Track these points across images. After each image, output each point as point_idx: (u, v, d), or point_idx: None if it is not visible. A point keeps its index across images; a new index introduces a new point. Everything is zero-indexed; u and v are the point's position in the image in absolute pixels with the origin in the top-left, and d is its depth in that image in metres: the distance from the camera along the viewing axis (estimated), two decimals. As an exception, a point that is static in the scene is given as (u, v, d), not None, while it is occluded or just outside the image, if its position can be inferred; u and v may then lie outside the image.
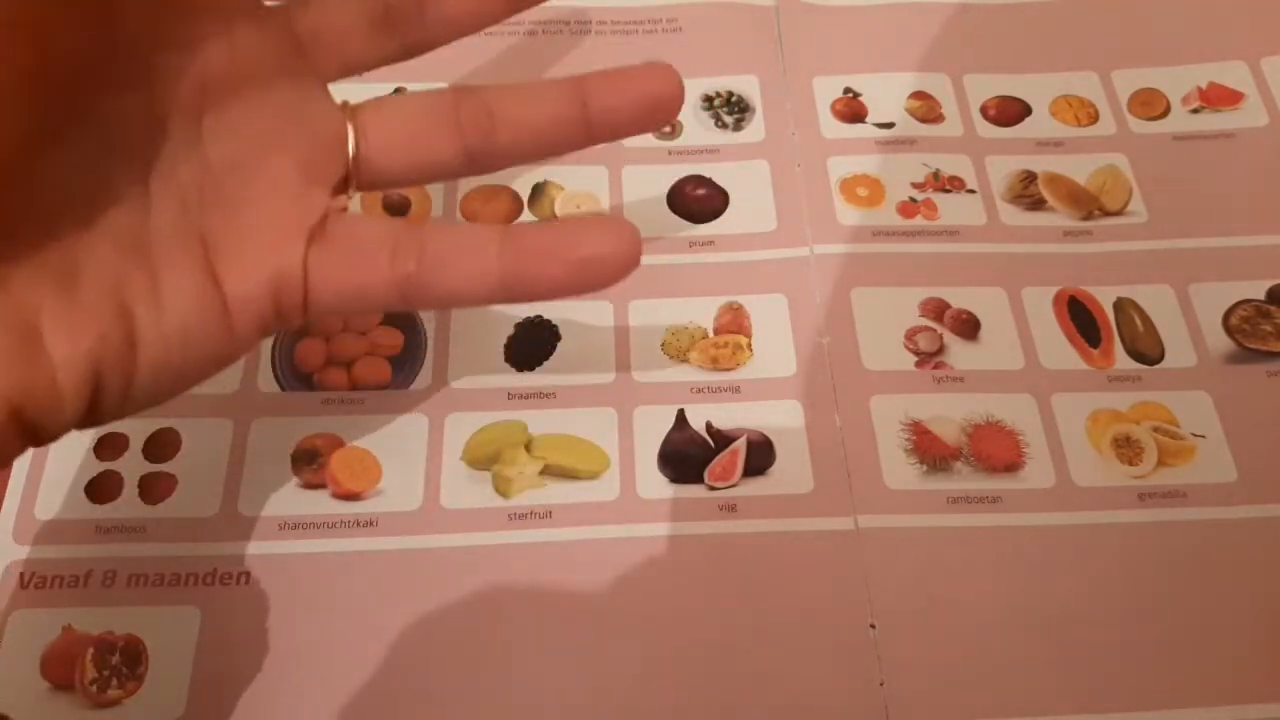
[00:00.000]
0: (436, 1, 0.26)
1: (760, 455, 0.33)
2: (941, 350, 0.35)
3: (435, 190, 0.38)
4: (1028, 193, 0.38)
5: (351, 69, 0.26)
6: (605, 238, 0.25)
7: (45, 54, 0.18)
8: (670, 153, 0.39)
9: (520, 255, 0.25)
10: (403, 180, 0.26)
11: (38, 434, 0.21)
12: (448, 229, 0.26)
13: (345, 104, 0.25)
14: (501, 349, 0.35)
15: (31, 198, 0.19)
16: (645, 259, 0.36)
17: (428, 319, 0.35)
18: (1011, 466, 0.33)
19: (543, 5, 0.42)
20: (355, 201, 0.37)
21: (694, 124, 0.40)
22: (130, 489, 0.32)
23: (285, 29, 0.24)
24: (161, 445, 0.33)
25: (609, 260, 0.25)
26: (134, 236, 0.21)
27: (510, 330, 0.35)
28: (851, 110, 0.40)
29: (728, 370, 0.34)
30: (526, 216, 0.37)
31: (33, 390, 0.19)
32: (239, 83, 0.22)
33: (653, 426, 0.33)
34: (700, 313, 0.36)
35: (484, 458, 0.33)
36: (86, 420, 0.21)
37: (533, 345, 0.35)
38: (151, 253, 0.21)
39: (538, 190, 0.38)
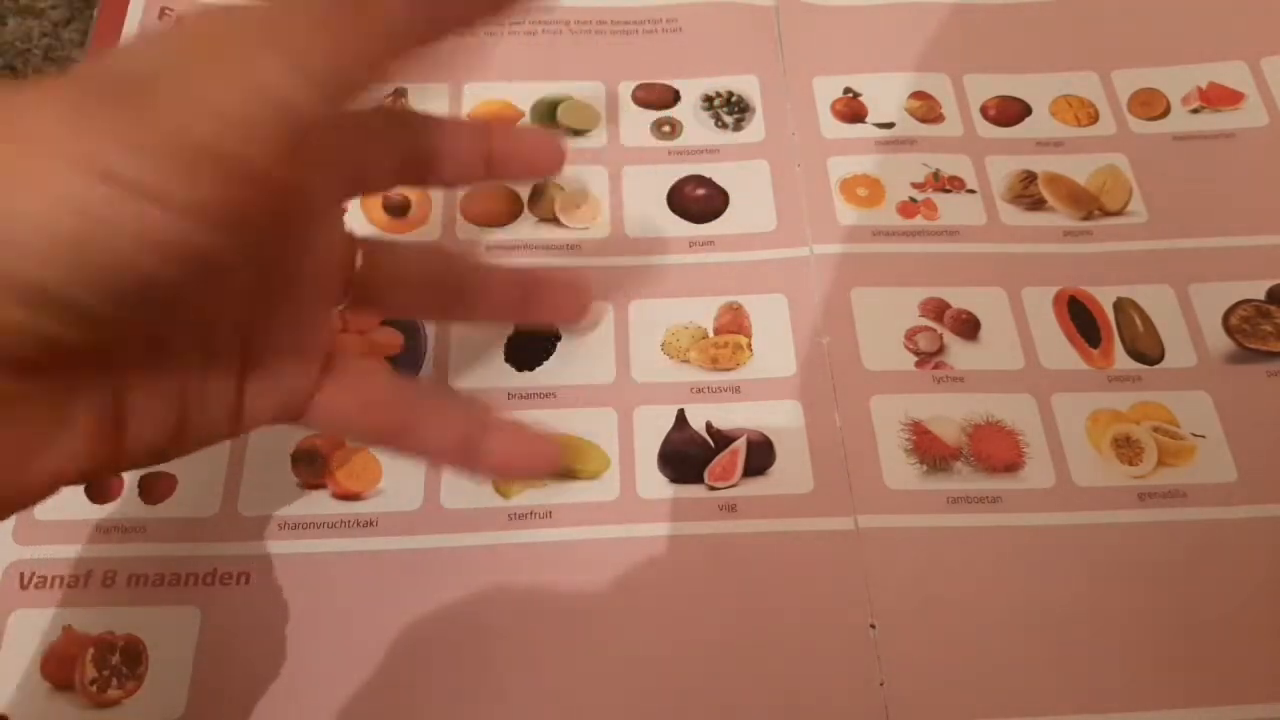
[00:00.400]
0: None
1: (760, 455, 0.33)
2: (941, 350, 0.35)
3: (435, 192, 0.38)
4: (1028, 193, 0.38)
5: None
6: (543, 444, 0.29)
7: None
8: (670, 153, 0.39)
9: (489, 449, 0.27)
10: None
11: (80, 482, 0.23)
12: (431, 402, 0.28)
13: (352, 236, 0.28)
14: (501, 349, 0.35)
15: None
16: (645, 259, 0.37)
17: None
18: (1011, 466, 0.33)
19: (543, 5, 0.42)
20: (356, 200, 0.38)
21: (694, 124, 0.40)
22: (130, 489, 0.32)
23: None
24: (161, 445, 0.33)
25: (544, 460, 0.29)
26: (207, 350, 0.24)
27: (510, 330, 0.35)
28: (851, 110, 0.40)
29: (728, 370, 0.34)
30: (527, 217, 0.37)
31: (101, 466, 0.22)
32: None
33: (653, 426, 0.33)
34: (700, 313, 0.36)
35: (484, 458, 0.33)
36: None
37: (533, 345, 0.35)
38: (213, 366, 0.24)
39: (538, 190, 0.38)
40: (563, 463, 0.30)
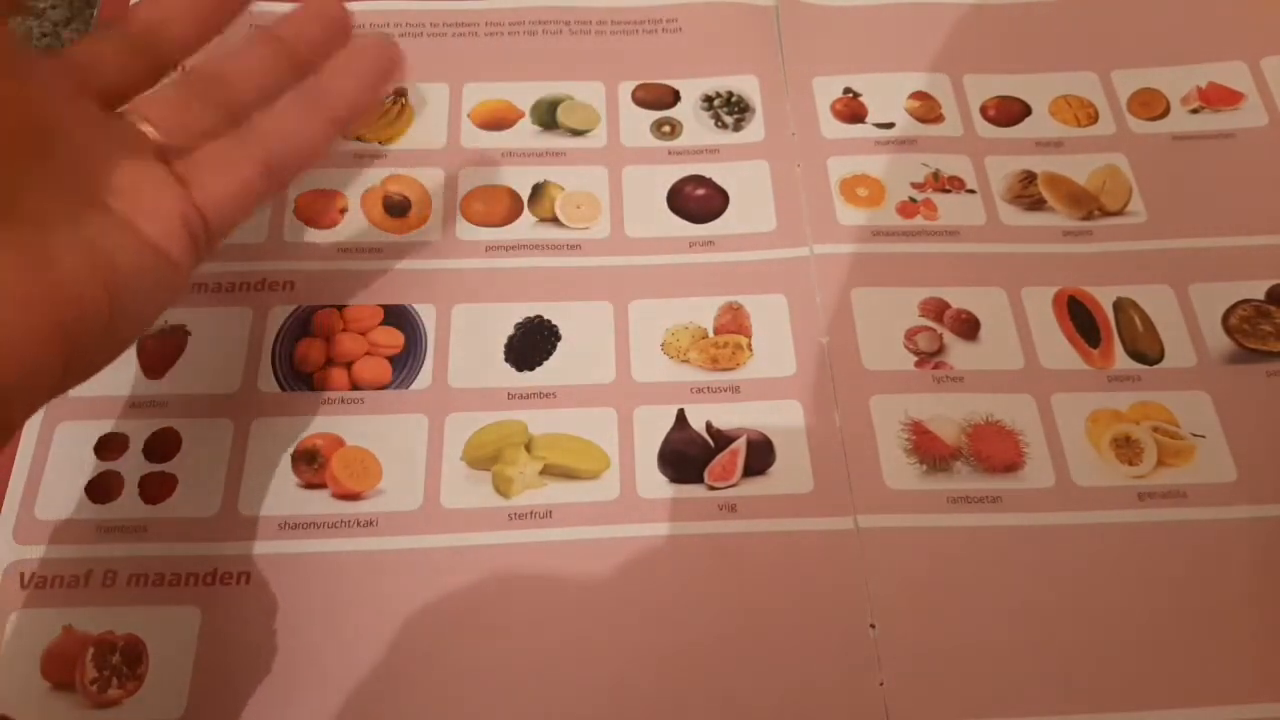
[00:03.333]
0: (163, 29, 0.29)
1: (760, 455, 0.33)
2: (941, 350, 0.35)
3: (435, 193, 0.38)
4: (1027, 193, 0.38)
5: (117, 92, 0.28)
6: (374, 49, 0.30)
7: None
8: (670, 153, 0.39)
9: (327, 96, 0.29)
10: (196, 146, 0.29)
11: (73, 354, 0.23)
12: (267, 114, 0.29)
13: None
14: (501, 349, 0.35)
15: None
16: (645, 259, 0.37)
17: (428, 319, 0.35)
18: (1011, 466, 0.33)
19: (543, 5, 0.42)
20: (356, 200, 0.38)
21: (694, 124, 0.40)
22: (130, 489, 0.32)
23: (65, 65, 0.27)
24: (161, 445, 0.33)
25: (387, 61, 0.30)
26: (60, 202, 0.24)
27: (510, 330, 0.35)
28: (851, 110, 0.40)
29: (728, 370, 0.34)
30: (527, 217, 0.37)
31: (64, 298, 0.23)
32: (55, 108, 0.25)
33: (653, 426, 0.33)
34: (700, 313, 0.36)
35: (484, 458, 0.33)
36: (108, 345, 0.25)
37: (533, 345, 0.35)
38: (84, 209, 0.25)
39: (537, 190, 0.38)
40: (398, 67, 0.30)
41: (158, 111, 0.28)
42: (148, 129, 0.27)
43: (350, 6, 0.30)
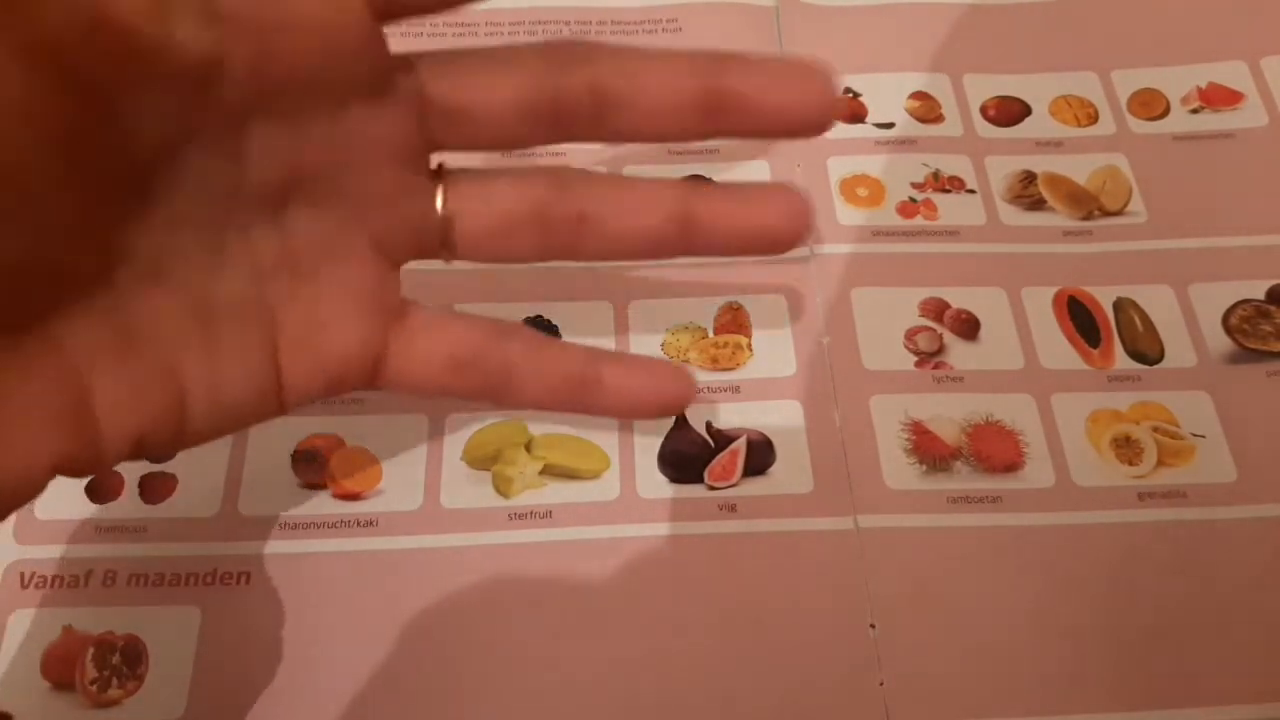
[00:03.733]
0: (624, 112, 0.22)
1: (760, 455, 0.33)
2: (941, 350, 0.35)
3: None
4: (1027, 193, 0.38)
5: (481, 147, 0.23)
6: (668, 378, 0.24)
7: (114, 121, 0.17)
8: (670, 153, 0.39)
9: (596, 391, 0.24)
10: (477, 260, 0.25)
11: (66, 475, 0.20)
12: (533, 345, 0.24)
13: (438, 171, 0.23)
14: (501, 349, 0.35)
15: (98, 256, 0.19)
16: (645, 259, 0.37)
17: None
18: (1011, 466, 0.33)
19: (543, 5, 0.42)
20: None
21: (694, 124, 0.40)
22: (130, 489, 0.32)
23: (408, 110, 0.21)
24: (161, 445, 0.33)
25: (676, 400, 0.25)
26: (199, 304, 0.20)
27: (510, 330, 0.35)
28: (851, 110, 0.40)
29: (728, 370, 0.34)
30: (526, 216, 0.37)
31: (77, 457, 0.19)
32: (338, 167, 0.21)
33: (653, 426, 0.33)
34: (700, 313, 0.36)
35: (484, 458, 0.33)
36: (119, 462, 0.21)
37: (533, 345, 0.35)
38: (215, 325, 0.20)
39: (538, 190, 0.38)
40: (693, 394, 0.25)
41: (477, 197, 0.22)
42: (439, 205, 0.22)
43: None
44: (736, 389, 0.34)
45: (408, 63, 0.22)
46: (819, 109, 0.21)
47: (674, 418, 0.33)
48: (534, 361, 0.23)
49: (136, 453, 0.20)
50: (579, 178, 0.24)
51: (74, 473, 0.19)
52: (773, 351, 0.35)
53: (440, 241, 0.23)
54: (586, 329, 0.35)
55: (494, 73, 0.21)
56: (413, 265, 0.36)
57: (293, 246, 0.21)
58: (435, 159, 0.23)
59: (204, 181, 0.19)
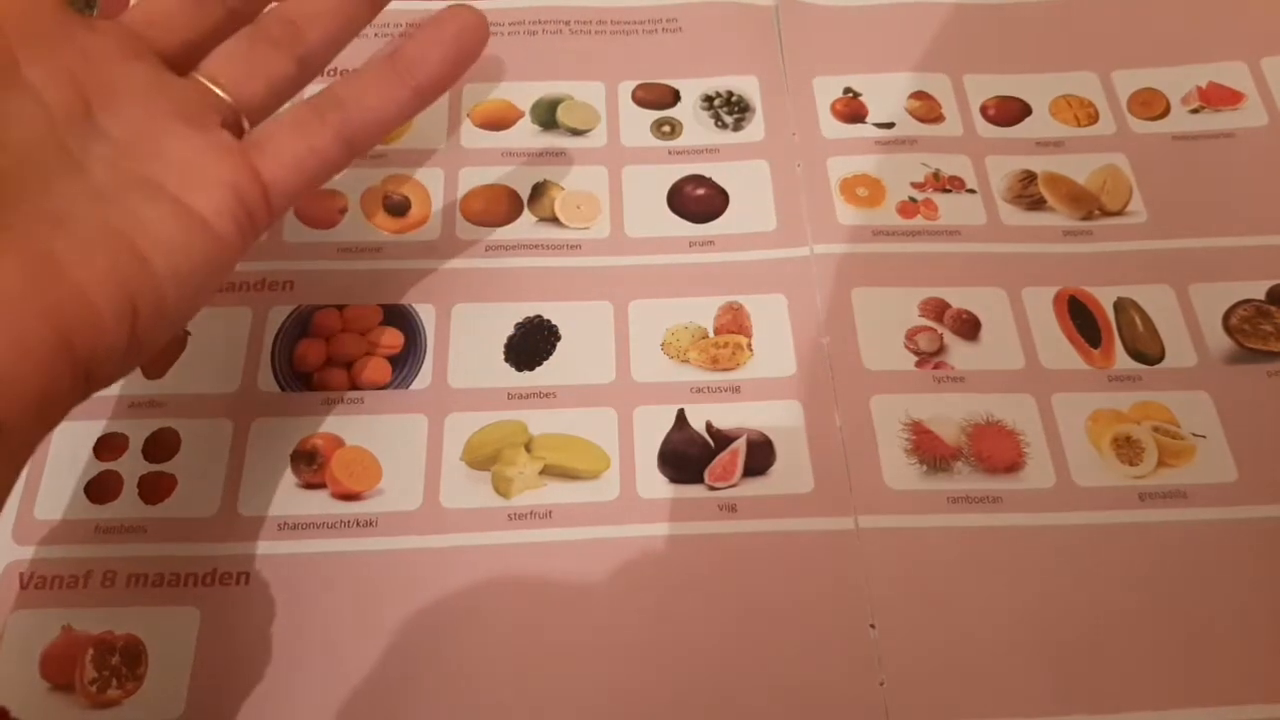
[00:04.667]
0: (308, 18, 0.29)
1: (760, 455, 0.33)
2: (941, 350, 0.35)
3: (435, 193, 0.38)
4: (1028, 193, 0.38)
5: (186, 51, 0.28)
6: (459, 16, 0.30)
7: None
8: (670, 153, 0.39)
9: (411, 64, 0.29)
10: (270, 102, 0.29)
11: (92, 365, 0.22)
12: (348, 81, 0.29)
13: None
14: (501, 349, 0.35)
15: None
16: (645, 259, 0.37)
17: (428, 319, 0.35)
18: (1011, 466, 0.33)
19: (543, 5, 0.42)
20: (356, 200, 0.38)
21: (694, 124, 0.40)
22: (130, 489, 0.32)
23: (119, 30, 0.27)
24: (161, 445, 0.33)
25: (472, 29, 0.30)
26: (92, 193, 0.24)
27: (510, 330, 0.35)
28: (851, 110, 0.40)
29: (728, 370, 0.34)
30: (527, 216, 0.37)
31: (71, 311, 0.21)
32: (101, 76, 0.25)
33: (653, 426, 0.33)
34: (700, 313, 0.36)
35: (484, 458, 0.33)
36: (134, 342, 0.23)
37: (533, 345, 0.35)
38: (117, 199, 0.24)
39: (538, 189, 0.38)
40: (480, 23, 0.30)
41: (227, 68, 0.27)
42: (217, 90, 0.27)
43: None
44: (736, 389, 0.34)
45: None
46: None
47: (673, 418, 0.33)
48: (355, 85, 0.28)
49: (130, 303, 0.23)
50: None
51: (81, 335, 0.21)
52: (773, 351, 0.35)
53: (235, 116, 0.28)
54: (586, 329, 0.35)
55: None
56: (413, 265, 0.36)
57: (122, 140, 0.25)
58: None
59: (20, 117, 0.24)
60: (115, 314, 0.22)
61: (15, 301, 0.21)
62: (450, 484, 0.32)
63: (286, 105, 0.29)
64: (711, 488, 0.32)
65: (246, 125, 0.28)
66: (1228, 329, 0.35)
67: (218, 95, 0.27)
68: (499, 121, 0.40)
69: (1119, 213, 0.38)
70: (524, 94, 0.40)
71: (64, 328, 0.21)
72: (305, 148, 0.27)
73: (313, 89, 0.30)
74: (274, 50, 0.28)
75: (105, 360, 0.23)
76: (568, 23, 0.42)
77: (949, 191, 0.38)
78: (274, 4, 0.29)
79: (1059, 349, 0.35)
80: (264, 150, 0.27)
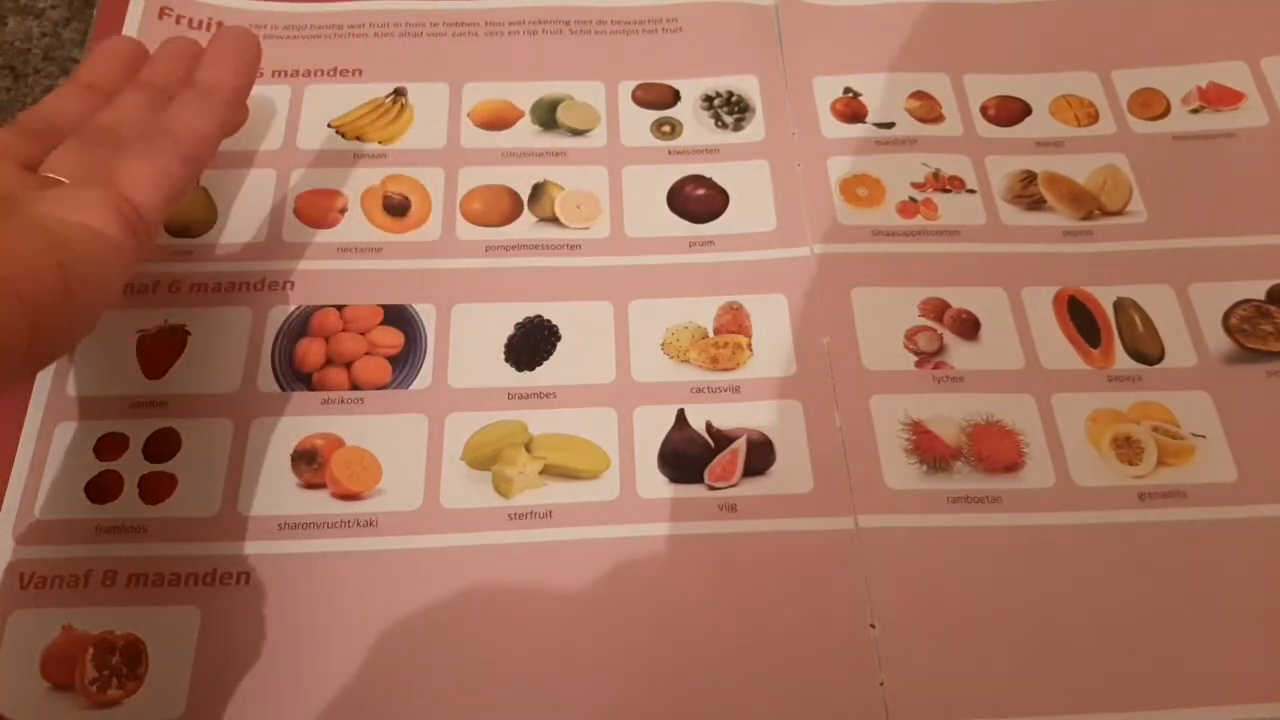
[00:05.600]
0: None
1: (760, 455, 0.33)
2: (941, 350, 0.35)
3: (435, 193, 0.38)
4: (1028, 193, 0.38)
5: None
6: (231, 35, 0.34)
7: None
8: (670, 153, 0.39)
9: (211, 86, 0.33)
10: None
11: (38, 320, 0.25)
12: (173, 114, 0.32)
13: None
14: (501, 349, 0.35)
15: None
16: (645, 259, 0.37)
17: (428, 319, 0.35)
18: (1011, 466, 0.33)
19: (543, 5, 0.42)
20: (356, 200, 0.38)
21: (694, 124, 0.40)
22: (130, 489, 0.32)
23: None
24: (161, 445, 0.33)
25: (247, 44, 0.34)
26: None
27: (510, 330, 0.35)
28: (851, 110, 0.40)
29: (728, 370, 0.34)
30: (527, 217, 0.37)
31: (16, 269, 0.25)
32: None
33: (653, 426, 0.33)
34: (700, 313, 0.36)
35: (484, 458, 0.33)
36: (70, 307, 0.26)
37: (533, 345, 0.35)
38: (28, 216, 0.27)
39: (537, 190, 0.38)
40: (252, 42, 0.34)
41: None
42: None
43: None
44: (736, 389, 0.34)
45: None
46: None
47: (673, 418, 0.33)
48: (176, 114, 0.32)
49: (64, 275, 0.26)
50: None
51: (29, 296, 0.25)
52: (773, 351, 0.35)
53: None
54: (586, 329, 0.35)
55: None
56: (413, 265, 0.36)
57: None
58: None
59: None
60: (53, 279, 0.26)
61: None
62: (450, 484, 0.32)
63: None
64: (711, 488, 0.32)
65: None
66: (1227, 329, 0.35)
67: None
68: (499, 121, 0.40)
69: (1119, 213, 0.38)
70: (524, 94, 0.40)
71: (16, 284, 0.25)
72: (156, 169, 0.30)
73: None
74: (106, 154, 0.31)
75: (47, 323, 0.26)
76: (568, 23, 0.42)
77: (949, 191, 0.38)
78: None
79: (1059, 349, 0.35)
80: (122, 176, 0.29)
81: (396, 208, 0.37)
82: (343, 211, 0.37)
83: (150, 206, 0.29)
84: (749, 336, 0.35)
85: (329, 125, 0.39)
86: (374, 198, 0.38)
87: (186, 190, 0.31)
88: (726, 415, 0.34)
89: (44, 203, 0.28)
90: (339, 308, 0.35)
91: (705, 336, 0.35)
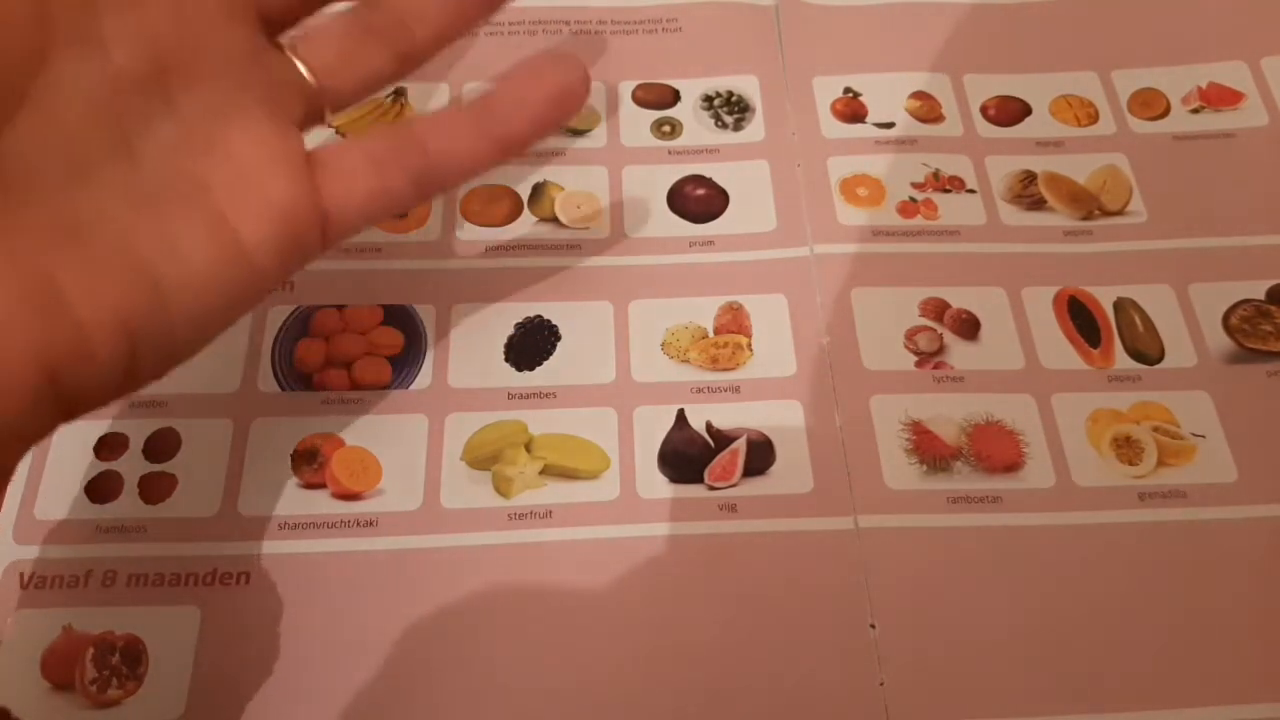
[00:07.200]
0: (416, 14, 0.27)
1: (760, 455, 0.33)
2: (941, 350, 0.35)
3: (435, 190, 0.38)
4: (1028, 193, 0.38)
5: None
6: (559, 72, 0.28)
7: None
8: (670, 153, 0.39)
9: (500, 119, 0.27)
10: (358, 95, 0.27)
11: (76, 399, 0.20)
12: (431, 121, 0.27)
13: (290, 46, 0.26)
14: (501, 349, 0.35)
15: (10, 166, 0.20)
16: (645, 259, 0.37)
17: (428, 319, 0.35)
18: (1011, 466, 0.33)
19: (543, 5, 0.42)
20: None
21: (694, 124, 0.40)
22: (130, 489, 0.32)
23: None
24: (161, 445, 0.33)
25: (571, 90, 0.28)
26: (131, 191, 0.21)
27: (510, 330, 0.35)
28: (851, 110, 0.40)
29: (728, 370, 0.34)
30: (526, 216, 0.37)
31: (62, 348, 0.19)
32: (193, 39, 0.22)
33: (653, 426, 0.33)
34: (700, 313, 0.36)
35: (484, 458, 0.33)
36: (130, 379, 0.21)
37: (533, 345, 0.35)
38: (155, 205, 0.21)
39: (538, 190, 0.38)
40: (582, 77, 0.28)
41: (320, 51, 0.25)
42: (304, 71, 0.25)
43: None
44: (736, 389, 0.34)
45: None
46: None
47: (673, 418, 0.33)
48: (438, 128, 0.26)
49: (131, 342, 0.20)
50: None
51: (69, 372, 0.19)
52: (773, 351, 0.35)
53: (311, 87, 0.25)
54: (586, 329, 0.35)
55: None
56: (413, 265, 0.36)
57: (190, 121, 0.22)
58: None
59: (79, 81, 0.21)
60: (112, 354, 0.20)
61: (2, 332, 0.19)
62: (450, 484, 0.32)
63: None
64: (711, 488, 0.32)
65: (330, 120, 0.26)
66: (1228, 329, 0.35)
67: (305, 79, 0.25)
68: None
69: (1119, 213, 0.38)
70: (524, 94, 0.40)
71: (52, 365, 0.19)
72: (379, 185, 0.25)
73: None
74: (375, 41, 0.26)
75: (92, 397, 0.21)
76: (568, 23, 0.42)
77: (949, 191, 0.38)
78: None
79: (1059, 349, 0.35)
80: (334, 175, 0.24)
81: (396, 207, 0.37)
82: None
83: (342, 226, 0.24)
84: (749, 336, 0.35)
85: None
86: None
87: (393, 215, 0.27)
88: (726, 415, 0.34)
89: (190, 201, 0.21)
90: (339, 308, 0.35)
91: (705, 336, 0.35)
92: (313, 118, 0.26)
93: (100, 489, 0.32)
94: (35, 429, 0.20)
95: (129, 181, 0.21)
